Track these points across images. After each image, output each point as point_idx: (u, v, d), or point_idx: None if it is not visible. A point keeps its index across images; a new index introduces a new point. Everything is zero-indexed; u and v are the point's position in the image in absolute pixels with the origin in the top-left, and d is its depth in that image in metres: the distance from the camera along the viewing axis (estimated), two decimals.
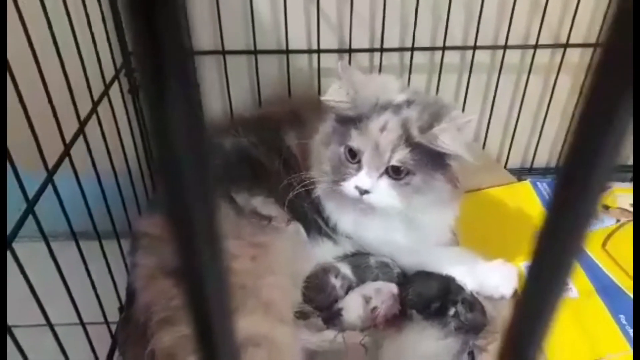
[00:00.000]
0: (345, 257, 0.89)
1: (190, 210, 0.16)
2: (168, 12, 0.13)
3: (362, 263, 0.87)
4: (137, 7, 0.13)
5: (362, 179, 0.76)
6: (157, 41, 0.13)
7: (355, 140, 0.76)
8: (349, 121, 0.77)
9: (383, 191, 0.76)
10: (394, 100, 0.78)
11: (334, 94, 0.78)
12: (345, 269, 0.86)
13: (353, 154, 0.77)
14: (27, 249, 0.62)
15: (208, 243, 0.17)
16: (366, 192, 0.76)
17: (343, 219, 0.85)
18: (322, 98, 0.78)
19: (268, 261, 0.76)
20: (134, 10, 0.13)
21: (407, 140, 0.74)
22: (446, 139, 0.73)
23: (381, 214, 0.81)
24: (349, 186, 0.76)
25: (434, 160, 0.76)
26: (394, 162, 0.75)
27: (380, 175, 0.76)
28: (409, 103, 0.78)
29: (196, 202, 0.16)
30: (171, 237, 0.16)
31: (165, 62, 0.14)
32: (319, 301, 0.83)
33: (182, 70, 0.14)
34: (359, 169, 0.76)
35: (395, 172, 0.76)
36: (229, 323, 0.18)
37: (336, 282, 0.84)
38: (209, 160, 0.16)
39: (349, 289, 0.85)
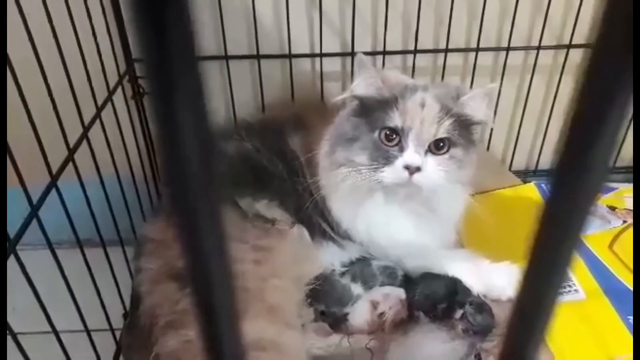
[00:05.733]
0: (354, 272, 0.87)
1: (197, 215, 0.16)
2: (176, 16, 0.13)
3: (368, 274, 0.86)
4: (145, 11, 0.13)
5: (411, 156, 0.73)
6: (165, 45, 0.13)
7: (396, 120, 0.75)
8: (380, 106, 0.76)
9: (432, 168, 0.75)
10: (415, 82, 0.80)
11: (362, 84, 0.78)
12: (357, 290, 0.85)
13: (391, 136, 0.75)
14: (32, 256, 0.62)
15: (214, 246, 0.17)
16: (417, 169, 0.73)
17: (356, 224, 0.84)
18: (351, 90, 0.79)
19: (272, 264, 0.76)
20: (141, 14, 0.13)
21: (446, 111, 0.75)
22: (476, 103, 0.76)
23: (395, 214, 0.81)
24: (396, 168, 0.74)
25: (466, 134, 0.78)
26: (440, 135, 0.75)
27: (425, 153, 0.75)
28: (425, 84, 0.80)
29: (202, 207, 0.16)
30: (178, 240, 0.16)
31: (173, 66, 0.14)
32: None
33: (190, 75, 0.14)
34: (401, 149, 0.75)
35: (437, 148, 0.75)
36: (237, 326, 0.18)
37: (342, 310, 0.83)
38: (216, 165, 0.16)
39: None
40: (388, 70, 0.89)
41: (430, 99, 0.76)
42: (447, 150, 0.76)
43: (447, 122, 0.75)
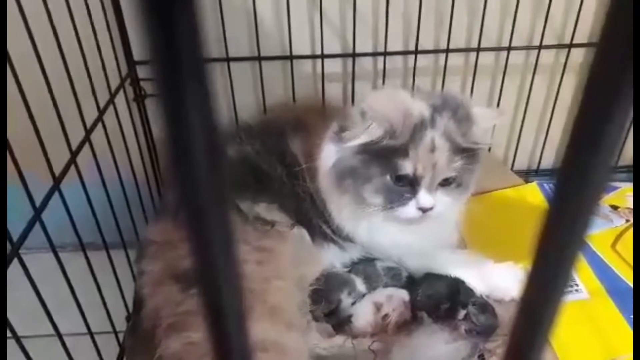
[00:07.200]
0: (357, 269, 0.87)
1: (206, 216, 0.16)
2: (184, 16, 0.13)
3: (372, 273, 0.86)
4: (153, 11, 0.13)
5: (424, 198, 0.76)
6: (173, 46, 0.13)
7: (407, 169, 0.75)
8: (390, 150, 0.75)
9: (442, 202, 0.77)
10: (423, 115, 0.75)
11: (368, 134, 0.74)
12: (360, 285, 0.85)
13: (403, 180, 0.76)
14: (35, 259, 0.62)
15: (223, 247, 0.17)
16: (430, 209, 0.76)
17: (358, 228, 0.84)
18: (360, 141, 0.75)
19: (274, 265, 0.76)
20: (149, 15, 0.13)
21: (456, 150, 0.75)
22: (484, 130, 0.78)
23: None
24: (410, 209, 0.77)
25: (472, 160, 0.78)
26: (450, 174, 0.76)
27: (436, 189, 0.77)
28: (433, 111, 0.76)
29: (211, 208, 0.16)
30: (187, 241, 0.16)
31: (182, 67, 0.14)
32: (322, 307, 0.83)
33: (198, 76, 0.14)
34: (414, 190, 0.76)
35: (446, 182, 0.77)
36: (244, 326, 0.18)
37: (347, 299, 0.83)
38: (225, 166, 0.16)
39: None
40: (391, 99, 0.78)
41: (439, 140, 0.74)
42: (455, 180, 0.78)
43: (457, 162, 0.76)
